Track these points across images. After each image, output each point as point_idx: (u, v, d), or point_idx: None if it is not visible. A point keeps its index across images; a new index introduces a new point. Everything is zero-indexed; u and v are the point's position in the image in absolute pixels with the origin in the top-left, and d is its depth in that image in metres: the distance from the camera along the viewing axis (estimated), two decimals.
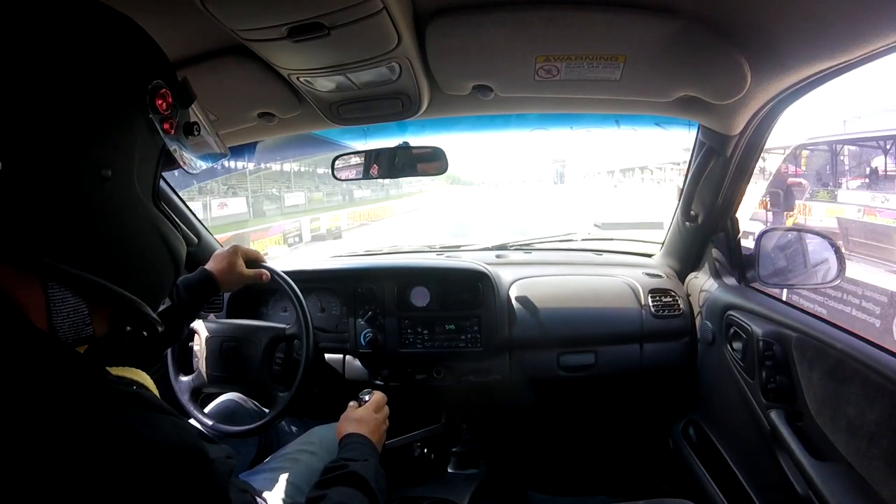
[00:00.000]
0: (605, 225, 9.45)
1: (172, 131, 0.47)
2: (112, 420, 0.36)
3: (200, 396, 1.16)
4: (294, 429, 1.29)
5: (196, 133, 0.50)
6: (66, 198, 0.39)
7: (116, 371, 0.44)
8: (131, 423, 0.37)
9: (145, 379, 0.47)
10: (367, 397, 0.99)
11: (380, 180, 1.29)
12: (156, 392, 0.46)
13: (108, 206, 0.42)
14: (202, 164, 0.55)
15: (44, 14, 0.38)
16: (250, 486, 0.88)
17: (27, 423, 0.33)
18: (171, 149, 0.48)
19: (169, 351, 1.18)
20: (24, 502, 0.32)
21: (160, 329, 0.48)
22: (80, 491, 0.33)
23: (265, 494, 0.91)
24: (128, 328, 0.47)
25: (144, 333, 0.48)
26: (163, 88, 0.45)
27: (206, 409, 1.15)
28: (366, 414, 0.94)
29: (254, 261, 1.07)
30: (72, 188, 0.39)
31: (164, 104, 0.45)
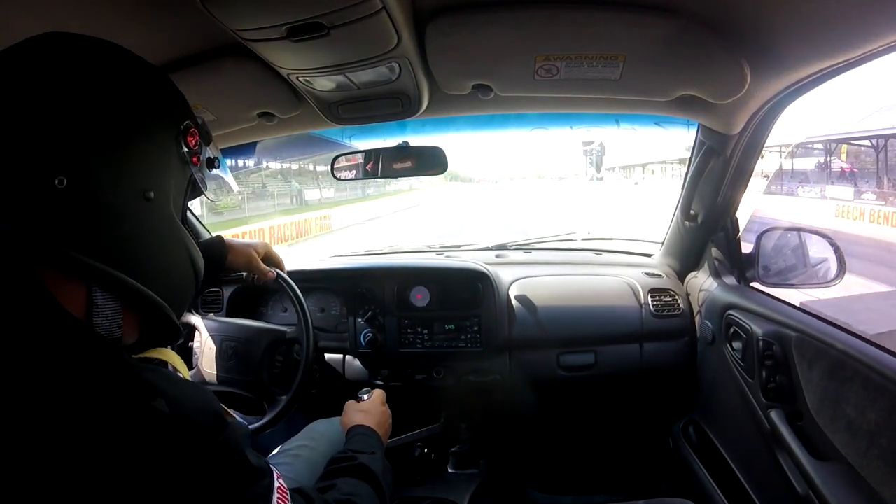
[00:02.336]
0: None
1: (199, 164, 0.55)
2: (139, 378, 0.41)
3: None
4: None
5: (217, 167, 0.59)
6: (117, 213, 0.45)
7: (141, 355, 0.50)
8: (157, 382, 0.41)
9: (171, 357, 0.53)
10: (365, 396, 0.98)
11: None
12: (183, 370, 0.52)
13: (150, 223, 0.48)
14: (219, 196, 0.63)
15: (108, 72, 0.47)
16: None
17: (64, 395, 0.37)
18: (197, 178, 0.55)
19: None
20: (61, 460, 0.36)
21: (181, 338, 0.52)
22: (110, 447, 0.37)
23: None
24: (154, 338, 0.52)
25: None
26: (193, 128, 0.53)
27: None
28: (372, 406, 0.94)
29: (275, 265, 1.06)
30: (122, 205, 0.45)
31: (193, 141, 0.53)
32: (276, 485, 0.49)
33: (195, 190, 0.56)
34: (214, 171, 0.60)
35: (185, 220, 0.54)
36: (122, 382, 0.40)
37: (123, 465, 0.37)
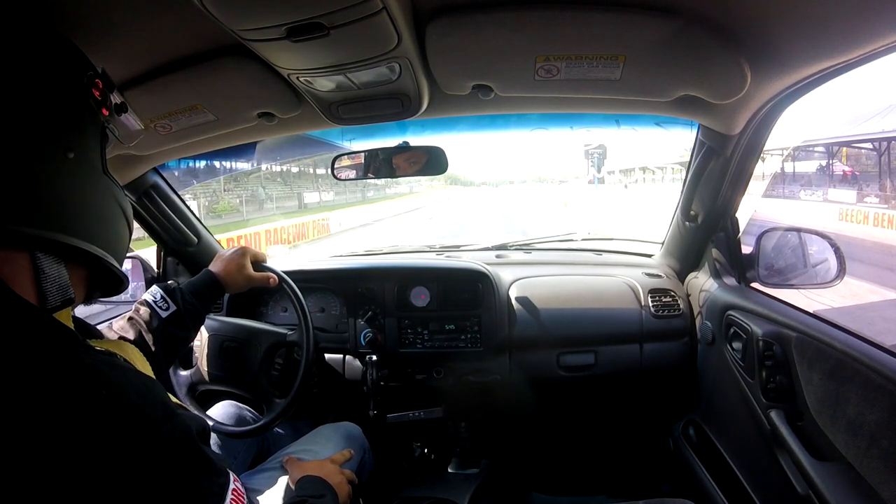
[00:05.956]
0: None
1: (108, 112, 0.56)
2: (79, 362, 0.42)
3: (197, 393, 1.16)
4: (283, 431, 1.28)
5: (125, 111, 0.59)
6: (45, 176, 0.46)
7: (100, 344, 0.49)
8: (97, 366, 0.42)
9: (129, 352, 0.53)
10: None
11: (357, 182, 1.30)
12: (140, 365, 0.52)
13: (78, 179, 0.50)
14: (132, 139, 0.66)
15: (8, 45, 0.47)
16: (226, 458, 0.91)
17: (8, 375, 0.38)
18: (109, 127, 0.57)
19: None
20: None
21: (127, 284, 0.56)
22: (47, 427, 0.38)
23: (264, 492, 0.91)
24: (99, 292, 0.55)
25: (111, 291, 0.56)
26: (96, 79, 0.54)
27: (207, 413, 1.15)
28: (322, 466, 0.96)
29: (260, 262, 1.07)
30: (48, 169, 0.47)
31: (98, 91, 0.54)
32: (233, 486, 0.49)
33: (107, 139, 0.58)
34: (123, 117, 0.60)
35: (106, 167, 0.56)
36: (63, 367, 0.40)
37: (58, 446, 0.38)
